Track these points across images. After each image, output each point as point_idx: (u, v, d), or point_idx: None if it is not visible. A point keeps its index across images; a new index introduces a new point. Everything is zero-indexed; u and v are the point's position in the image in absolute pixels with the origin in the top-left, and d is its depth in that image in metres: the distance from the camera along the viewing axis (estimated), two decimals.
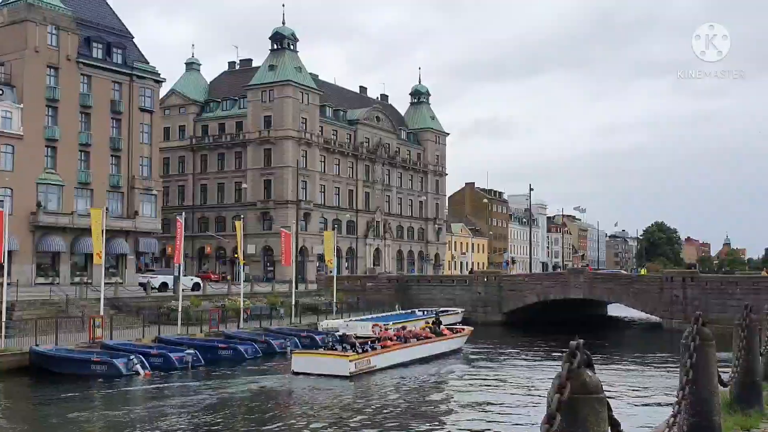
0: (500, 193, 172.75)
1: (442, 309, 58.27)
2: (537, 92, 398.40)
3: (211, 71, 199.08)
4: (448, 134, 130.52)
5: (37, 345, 32.19)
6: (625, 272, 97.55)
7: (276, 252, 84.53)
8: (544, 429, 3.62)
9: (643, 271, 77.57)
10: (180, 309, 41.78)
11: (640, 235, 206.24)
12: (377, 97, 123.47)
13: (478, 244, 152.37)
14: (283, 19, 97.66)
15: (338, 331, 45.37)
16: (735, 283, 56.15)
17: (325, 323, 48.24)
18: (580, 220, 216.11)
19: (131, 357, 31.09)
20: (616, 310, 70.78)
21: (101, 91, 68.05)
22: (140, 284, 56.80)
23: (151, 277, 57.45)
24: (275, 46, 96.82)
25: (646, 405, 25.45)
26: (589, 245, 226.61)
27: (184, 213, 56.66)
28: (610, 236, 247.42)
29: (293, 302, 51.68)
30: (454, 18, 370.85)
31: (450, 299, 64.30)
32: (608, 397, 4.26)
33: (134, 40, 75.16)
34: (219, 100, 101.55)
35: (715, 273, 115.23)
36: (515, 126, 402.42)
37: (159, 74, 74.59)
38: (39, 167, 63.05)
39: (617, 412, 4.58)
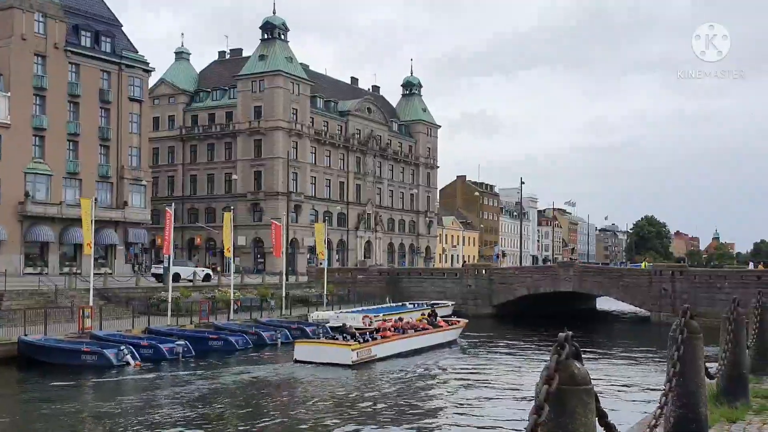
0: (491, 187, 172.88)
1: (432, 302, 58.38)
2: (527, 87, 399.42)
3: (200, 61, 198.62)
4: (440, 126, 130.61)
5: (25, 335, 32.08)
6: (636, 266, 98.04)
7: (266, 244, 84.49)
8: (533, 420, 3.64)
9: (644, 265, 77.42)
10: (170, 300, 41.73)
11: (630, 229, 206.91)
12: (369, 89, 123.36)
13: (469, 237, 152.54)
14: (274, 9, 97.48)
15: (329, 322, 45.50)
16: (723, 277, 56.37)
17: (316, 315, 48.29)
18: (570, 213, 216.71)
19: (121, 347, 30.99)
20: (605, 303, 71.03)
21: (90, 80, 67.70)
22: (153, 275, 57.16)
23: (164, 268, 57.49)
24: (266, 36, 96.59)
25: (633, 397, 25.58)
26: (579, 239, 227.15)
27: (173, 204, 56.53)
28: (600, 230, 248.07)
29: (284, 294, 51.66)
30: (445, 12, 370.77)
31: (440, 292, 64.37)
32: (596, 389, 4.29)
33: (123, 28, 74.77)
34: (209, 90, 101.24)
35: (704, 267, 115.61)
36: (505, 120, 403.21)
37: (148, 63, 74.29)
38: (27, 156, 62.76)
39: (605, 404, 4.61)
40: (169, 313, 41.00)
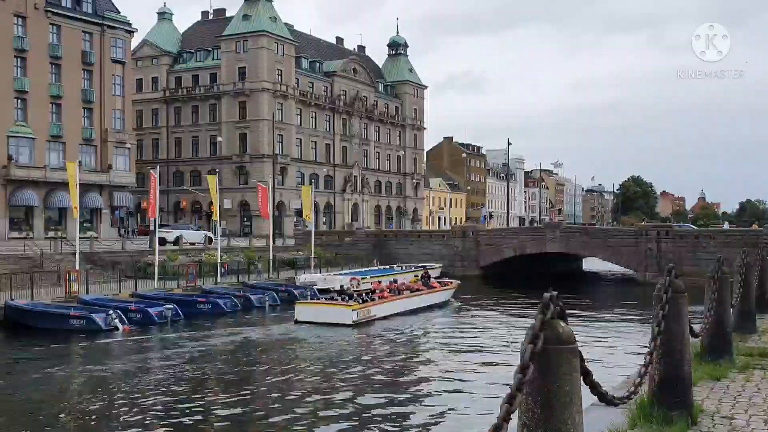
0: (478, 148, 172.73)
1: (420, 264, 58.54)
2: (511, 46, 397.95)
3: (183, 21, 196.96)
4: (426, 87, 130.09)
5: (12, 299, 32.01)
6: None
7: (253, 207, 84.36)
8: (518, 378, 3.65)
9: (755, 226, 76.77)
10: (156, 264, 41.65)
11: (617, 189, 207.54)
12: (354, 49, 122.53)
13: (456, 199, 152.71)
14: None
15: (316, 285, 45.66)
16: (709, 237, 56.74)
17: (303, 277, 48.36)
18: (557, 174, 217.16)
19: (110, 312, 30.94)
20: (592, 264, 71.38)
21: (71, 42, 66.99)
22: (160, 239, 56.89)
23: (166, 232, 57.93)
24: None
25: (618, 356, 25.77)
26: (565, 199, 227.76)
27: (158, 167, 56.37)
28: (586, 190, 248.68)
29: (271, 257, 51.67)
30: None
31: (428, 254, 64.52)
32: (581, 348, 4.30)
33: None
34: (192, 51, 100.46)
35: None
36: (490, 80, 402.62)
37: (130, 24, 73.61)
38: (9, 120, 62.27)
39: (590, 363, 4.63)
40: (156, 276, 40.92)
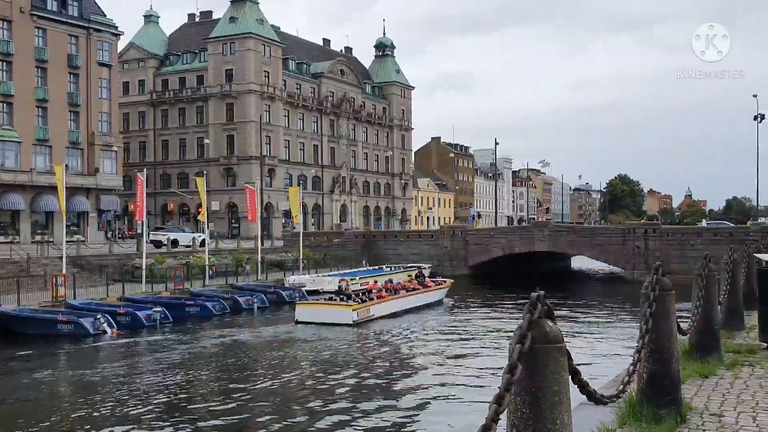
0: (466, 148, 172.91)
1: (409, 264, 58.59)
2: (501, 47, 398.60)
3: (170, 24, 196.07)
4: (413, 88, 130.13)
5: None
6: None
7: (241, 208, 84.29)
8: (506, 378, 3.64)
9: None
10: (144, 267, 41.51)
11: (604, 188, 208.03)
12: (341, 50, 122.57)
13: (445, 199, 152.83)
14: None
15: (305, 286, 45.65)
16: (696, 234, 56.96)
17: (292, 279, 48.33)
18: (544, 173, 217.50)
19: (98, 316, 30.82)
20: (580, 262, 71.55)
21: (57, 45, 66.70)
22: (152, 242, 57.21)
23: (162, 235, 58.39)
24: None
25: (607, 354, 25.83)
26: (553, 198, 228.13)
27: (145, 169, 56.22)
28: (574, 189, 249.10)
29: (259, 259, 51.59)
30: None
31: (417, 254, 64.59)
32: (569, 347, 4.30)
33: None
34: (179, 53, 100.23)
35: (677, 224, 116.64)
36: (479, 81, 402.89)
37: (117, 27, 73.31)
38: None
39: (578, 362, 4.63)
40: (144, 279, 40.78)
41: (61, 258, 39.11)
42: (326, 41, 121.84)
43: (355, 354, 27.35)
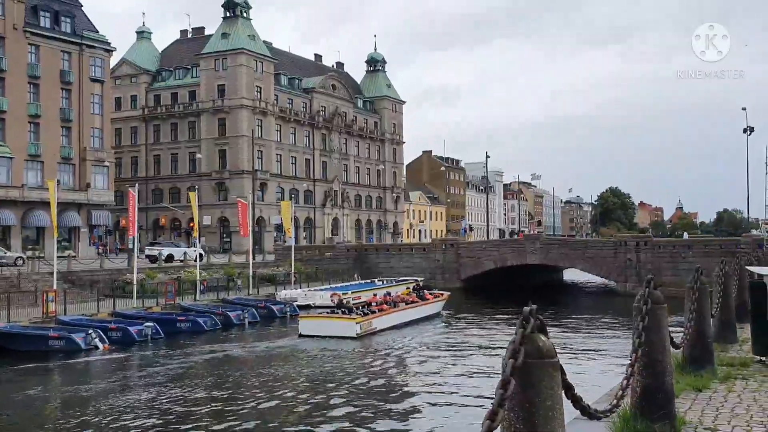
0: (457, 161, 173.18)
1: (401, 278, 58.57)
2: (486, 60, 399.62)
3: (162, 40, 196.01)
4: (405, 102, 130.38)
5: None
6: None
7: (232, 223, 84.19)
8: (499, 394, 3.62)
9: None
10: (135, 282, 41.39)
11: (595, 201, 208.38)
12: (333, 65, 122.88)
13: (436, 212, 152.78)
14: None
15: (296, 301, 45.56)
16: (687, 247, 57.06)
17: (284, 293, 48.23)
18: (535, 186, 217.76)
19: (89, 331, 30.75)
20: (572, 274, 71.59)
21: (50, 61, 66.70)
22: (147, 256, 57.33)
23: (158, 250, 58.21)
24: (228, 14, 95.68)
25: (600, 368, 25.82)
26: (544, 211, 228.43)
27: (137, 184, 56.17)
28: (565, 202, 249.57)
29: (250, 273, 51.48)
30: None
31: (409, 267, 64.58)
32: (562, 361, 4.29)
33: (83, 8, 73.64)
34: (171, 69, 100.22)
35: (668, 237, 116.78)
36: (466, 94, 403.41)
37: (109, 43, 73.33)
38: None
39: (571, 376, 4.61)
40: (135, 295, 40.67)
41: (51, 273, 38.95)
42: (318, 56, 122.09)
43: (361, 367, 27.59)
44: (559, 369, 4.19)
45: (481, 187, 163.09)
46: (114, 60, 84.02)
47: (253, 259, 55.20)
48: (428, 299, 43.46)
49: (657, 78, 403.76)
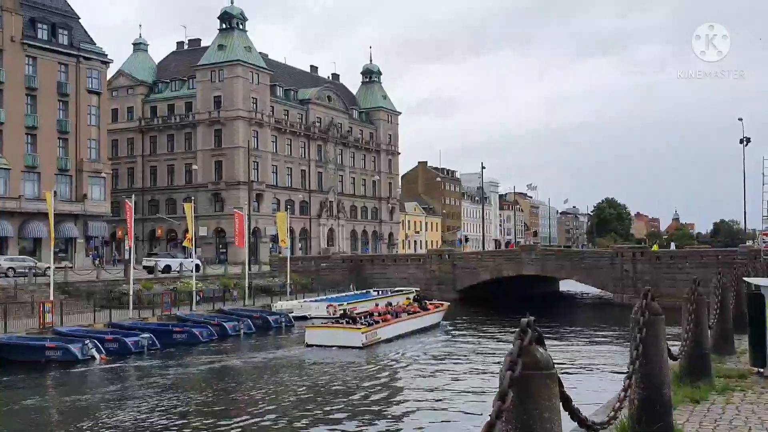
0: (453, 172, 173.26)
1: (396, 288, 58.53)
2: (481, 71, 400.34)
3: (159, 52, 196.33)
4: (400, 113, 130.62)
5: None
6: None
7: (228, 233, 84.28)
8: (497, 406, 3.62)
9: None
10: (131, 293, 41.34)
11: (591, 211, 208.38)
12: (328, 77, 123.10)
13: (432, 223, 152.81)
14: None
15: (292, 312, 45.54)
16: (684, 258, 57.04)
17: (280, 305, 48.18)
18: (531, 197, 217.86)
19: (86, 342, 30.74)
20: (568, 285, 71.50)
21: (47, 73, 66.82)
22: (145, 267, 57.40)
23: (155, 261, 58.42)
24: (224, 26, 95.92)
25: (597, 380, 25.80)
26: (540, 222, 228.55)
27: (133, 195, 56.11)
28: (561, 213, 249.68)
29: (246, 284, 51.43)
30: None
31: (404, 278, 64.52)
32: (559, 373, 4.29)
33: (80, 20, 73.75)
34: (168, 80, 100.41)
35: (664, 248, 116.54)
36: (461, 105, 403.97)
37: (106, 55, 73.46)
38: None
39: (569, 388, 4.61)
40: (131, 306, 40.62)
41: (48, 284, 38.88)
42: (313, 68, 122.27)
43: (367, 377, 27.80)
44: (556, 381, 4.19)
45: (477, 198, 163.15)
46: (111, 72, 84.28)
47: (249, 269, 55.15)
48: (429, 309, 43.80)
49: (652, 88, 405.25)
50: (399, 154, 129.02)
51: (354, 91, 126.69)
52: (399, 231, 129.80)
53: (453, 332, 42.34)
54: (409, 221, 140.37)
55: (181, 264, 58.21)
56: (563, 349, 33.07)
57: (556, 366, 4.21)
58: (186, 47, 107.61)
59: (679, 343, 9.40)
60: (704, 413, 8.36)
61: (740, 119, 72.05)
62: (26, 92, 65.37)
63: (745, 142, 70.85)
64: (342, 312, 39.57)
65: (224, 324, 39.35)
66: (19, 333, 32.83)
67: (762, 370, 10.89)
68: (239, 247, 59.35)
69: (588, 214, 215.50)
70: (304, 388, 25.48)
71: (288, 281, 55.36)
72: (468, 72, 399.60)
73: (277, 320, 42.73)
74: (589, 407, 8.54)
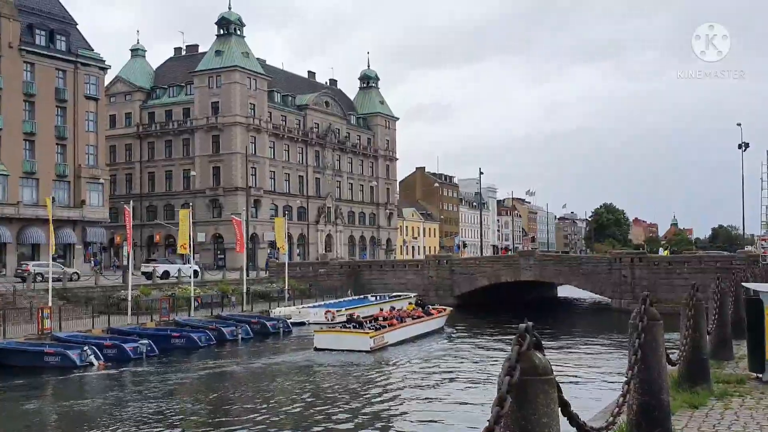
0: (450, 177, 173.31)
1: (394, 294, 58.52)
2: (478, 76, 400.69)
3: (157, 57, 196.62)
4: (398, 119, 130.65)
5: None
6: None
7: (226, 239, 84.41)
8: (495, 411, 3.63)
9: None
10: (130, 298, 41.31)
11: (589, 217, 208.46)
12: (326, 82, 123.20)
13: (430, 229, 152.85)
14: (230, 4, 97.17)
15: (291, 318, 45.59)
16: (682, 263, 57.04)
17: (278, 310, 48.23)
18: (529, 202, 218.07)
19: (84, 348, 30.72)
20: (566, 291, 71.51)
21: (45, 79, 66.86)
22: (143, 273, 57.43)
23: (154, 267, 58.46)
24: (221, 32, 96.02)
25: (596, 385, 25.79)
26: (539, 227, 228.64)
27: (132, 201, 56.07)
28: (559, 218, 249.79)
29: (244, 290, 51.42)
30: (391, 2, 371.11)
31: (402, 284, 64.45)
32: (558, 378, 4.29)
33: (78, 26, 73.83)
34: (165, 86, 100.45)
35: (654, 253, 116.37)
36: (458, 110, 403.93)
37: (104, 61, 73.51)
38: None
39: (567, 393, 4.62)
40: (129, 311, 40.59)
41: (47, 290, 38.88)
42: (311, 73, 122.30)
43: (376, 380, 28.42)
44: (555, 386, 4.20)
45: (475, 204, 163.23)
46: (108, 78, 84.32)
47: (247, 275, 55.12)
48: (433, 314, 44.35)
49: (650, 93, 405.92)
50: (397, 159, 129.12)
51: (352, 97, 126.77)
52: (397, 237, 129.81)
53: (456, 337, 42.60)
54: (406, 227, 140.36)
55: (179, 270, 58.18)
56: (562, 355, 33.09)
57: (554, 371, 4.21)
58: (184, 53, 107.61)
59: (678, 348, 9.40)
60: (703, 419, 8.36)
61: (739, 124, 72.19)
62: (24, 98, 65.38)
63: (743, 148, 70.93)
64: (348, 316, 40.07)
65: (222, 329, 39.41)
66: (18, 339, 32.81)
67: (761, 375, 10.90)
68: (238, 253, 59.31)
69: (586, 219, 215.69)
70: (313, 391, 25.80)
71: (286, 287, 55.33)
72: (465, 77, 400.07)
73: (275, 326, 42.76)
74: (587, 413, 8.54)
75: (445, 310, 47.02)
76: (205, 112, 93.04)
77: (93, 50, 72.89)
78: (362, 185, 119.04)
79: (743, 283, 14.95)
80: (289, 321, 44.53)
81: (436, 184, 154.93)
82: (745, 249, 69.53)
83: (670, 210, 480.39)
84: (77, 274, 52.32)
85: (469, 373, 29.95)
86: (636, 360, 6.36)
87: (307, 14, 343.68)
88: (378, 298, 56.66)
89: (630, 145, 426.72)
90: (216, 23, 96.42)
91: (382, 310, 44.64)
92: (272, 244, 79.76)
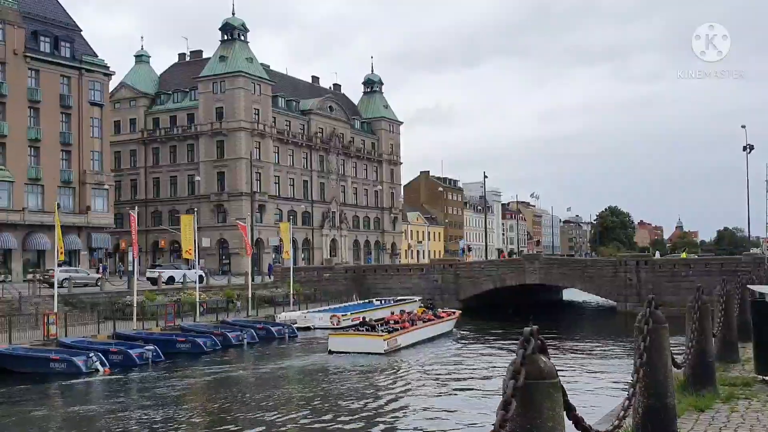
0: (455, 181, 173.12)
1: (399, 298, 58.52)
2: (481, 80, 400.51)
3: (161, 63, 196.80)
4: (402, 123, 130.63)
5: None
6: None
7: (231, 244, 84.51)
8: (500, 415, 3.63)
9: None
10: (135, 304, 41.34)
11: (594, 220, 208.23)
12: (330, 87, 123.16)
13: (434, 233, 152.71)
14: (233, 10, 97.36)
15: (296, 323, 45.59)
16: (687, 266, 56.96)
17: (284, 315, 48.20)
18: (534, 206, 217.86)
19: (90, 354, 30.68)
20: (571, 294, 71.40)
21: (50, 86, 67.04)
22: (148, 278, 57.73)
23: (160, 272, 58.36)
24: (225, 37, 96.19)
25: (601, 389, 25.74)
26: (543, 230, 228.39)
27: (137, 207, 56.25)
28: (564, 221, 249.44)
29: (249, 295, 51.43)
30: (392, 7, 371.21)
31: (407, 288, 64.38)
32: (563, 382, 4.29)
33: (82, 33, 74.02)
34: (170, 92, 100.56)
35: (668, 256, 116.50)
36: (461, 114, 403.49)
37: (108, 67, 73.70)
38: None
39: (572, 397, 4.61)
40: (135, 317, 40.60)
41: (52, 296, 38.91)
42: (315, 78, 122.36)
43: (394, 381, 28.85)
44: (560, 389, 4.20)
45: (479, 207, 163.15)
46: (113, 84, 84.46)
47: (252, 280, 55.14)
48: (443, 317, 44.75)
49: (654, 96, 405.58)
50: (401, 163, 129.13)
51: (355, 101, 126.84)
52: (401, 241, 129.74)
53: (464, 340, 42.88)
54: (411, 231, 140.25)
55: (184, 275, 58.25)
56: (567, 358, 33.05)
57: (559, 375, 4.21)
58: (188, 59, 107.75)
59: (684, 351, 9.38)
60: (709, 421, 8.35)
61: (743, 126, 71.95)
62: (29, 105, 65.55)
63: (748, 150, 70.74)
64: (362, 319, 40.76)
65: (227, 334, 39.43)
66: (24, 344, 32.84)
67: (767, 377, 10.88)
68: (242, 258, 59.39)
69: (591, 222, 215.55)
70: (332, 393, 26.17)
71: (291, 292, 55.34)
72: (468, 82, 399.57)
73: (281, 330, 42.75)
74: (593, 416, 8.54)
75: (454, 313, 47.42)
76: (209, 117, 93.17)
77: (97, 56, 73.07)
78: (366, 189, 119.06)
79: (749, 286, 14.92)
80: (294, 326, 44.52)
81: (441, 188, 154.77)
82: (751, 251, 69.42)
83: (676, 212, 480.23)
84: (102, 279, 52.71)
85: (480, 375, 30.11)
86: (642, 363, 6.36)
87: (309, 20, 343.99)
88: (383, 302, 56.72)
89: (635, 147, 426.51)
90: (220, 29, 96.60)
91: (393, 313, 45.34)
92: (277, 249, 79.76)
